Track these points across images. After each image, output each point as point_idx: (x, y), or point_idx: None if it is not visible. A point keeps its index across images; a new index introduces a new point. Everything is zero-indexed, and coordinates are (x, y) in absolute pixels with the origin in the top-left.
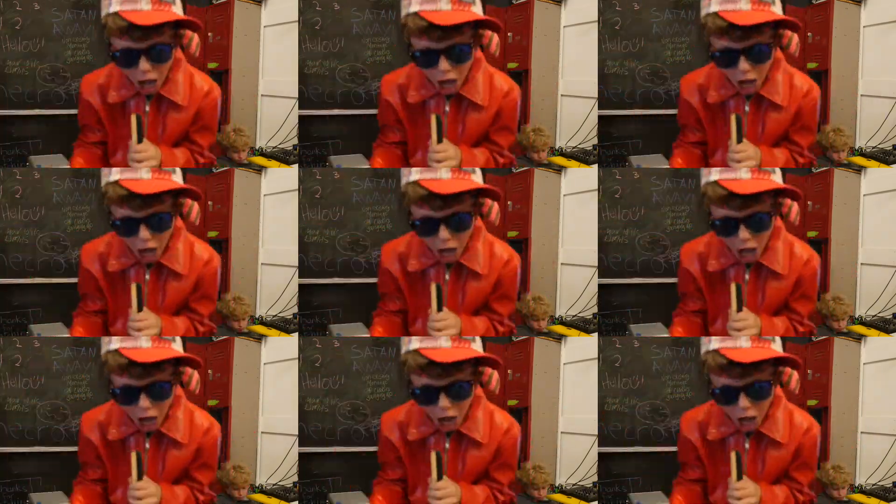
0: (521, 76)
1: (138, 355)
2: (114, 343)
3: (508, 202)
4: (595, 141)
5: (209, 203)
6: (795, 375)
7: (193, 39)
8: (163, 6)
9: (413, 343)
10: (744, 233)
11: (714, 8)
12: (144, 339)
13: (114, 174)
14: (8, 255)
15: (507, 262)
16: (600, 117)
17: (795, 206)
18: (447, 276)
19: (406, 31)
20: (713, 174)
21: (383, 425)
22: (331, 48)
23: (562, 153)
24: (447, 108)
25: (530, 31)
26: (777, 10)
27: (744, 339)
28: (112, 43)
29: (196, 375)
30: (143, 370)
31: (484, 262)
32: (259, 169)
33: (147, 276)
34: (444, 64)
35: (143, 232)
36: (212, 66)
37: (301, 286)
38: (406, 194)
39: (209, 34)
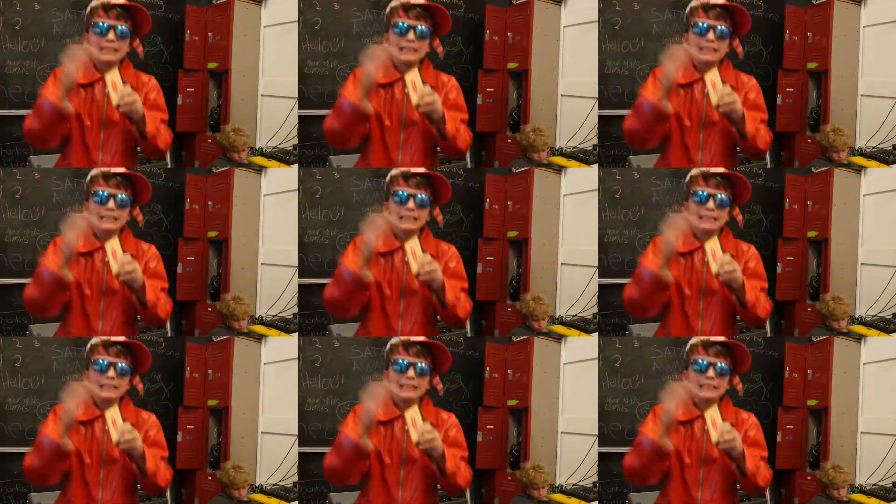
0: (521, 76)
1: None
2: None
3: (508, 202)
4: (595, 141)
5: (209, 203)
6: (740, 384)
7: (138, 48)
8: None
9: (394, 340)
10: (710, 203)
11: None
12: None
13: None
14: (8, 255)
15: (448, 248)
16: (600, 117)
17: (740, 215)
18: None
19: (389, 15)
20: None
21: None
22: (331, 48)
23: (562, 153)
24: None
25: (530, 31)
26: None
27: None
28: (91, 22)
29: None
30: (120, 349)
31: (431, 248)
32: (259, 169)
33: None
34: (411, 34)
35: (111, 203)
36: (212, 66)
37: (301, 286)
38: (391, 181)
39: (209, 34)
